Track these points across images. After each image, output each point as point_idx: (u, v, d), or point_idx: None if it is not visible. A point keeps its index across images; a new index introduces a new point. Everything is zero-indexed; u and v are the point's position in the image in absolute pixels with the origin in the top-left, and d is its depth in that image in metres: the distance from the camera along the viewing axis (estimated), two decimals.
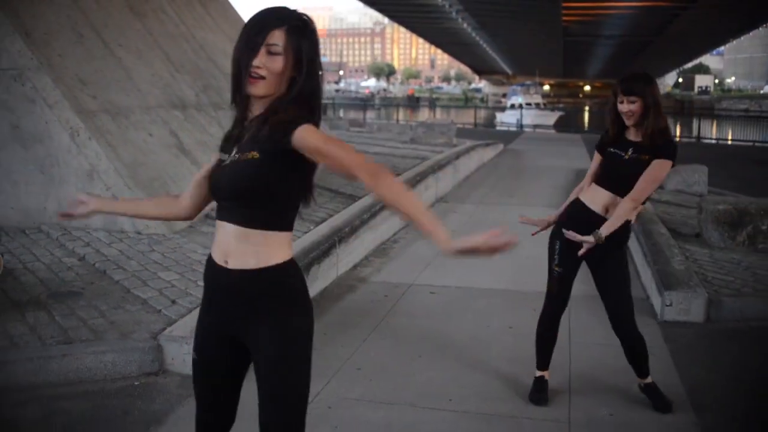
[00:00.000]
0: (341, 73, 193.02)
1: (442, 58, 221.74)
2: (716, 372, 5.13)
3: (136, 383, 4.72)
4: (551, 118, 49.60)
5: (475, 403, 4.57)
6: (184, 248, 7.05)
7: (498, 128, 42.04)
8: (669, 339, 5.71)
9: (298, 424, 2.51)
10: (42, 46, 7.93)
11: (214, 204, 2.62)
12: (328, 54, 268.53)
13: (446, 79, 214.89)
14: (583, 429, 4.26)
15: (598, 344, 5.51)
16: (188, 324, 5.06)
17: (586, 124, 46.56)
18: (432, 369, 5.12)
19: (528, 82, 77.29)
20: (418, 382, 4.88)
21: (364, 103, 56.19)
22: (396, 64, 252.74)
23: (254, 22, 2.42)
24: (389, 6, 72.65)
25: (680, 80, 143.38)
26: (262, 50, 2.37)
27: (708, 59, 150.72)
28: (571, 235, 4.15)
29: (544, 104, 65.00)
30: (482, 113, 49.81)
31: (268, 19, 2.41)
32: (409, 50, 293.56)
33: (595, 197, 4.35)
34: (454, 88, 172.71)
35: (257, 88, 2.40)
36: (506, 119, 47.28)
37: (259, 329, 2.46)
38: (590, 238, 4.12)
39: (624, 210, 4.18)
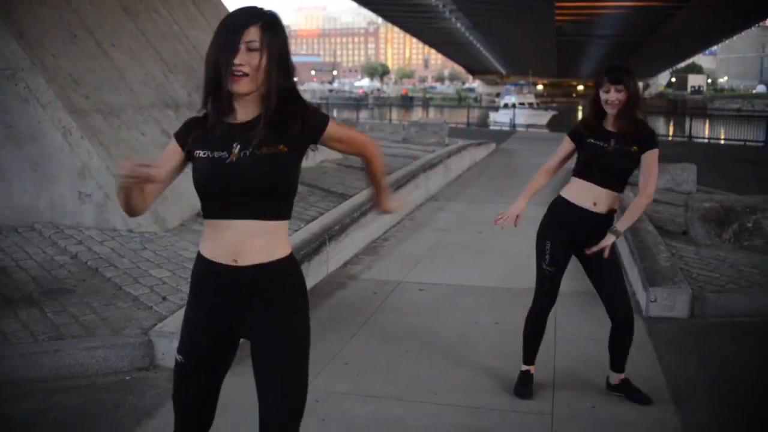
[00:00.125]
0: (335, 73, 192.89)
1: (436, 58, 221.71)
2: (698, 366, 5.22)
3: (127, 378, 4.80)
4: (544, 117, 49.73)
5: (461, 397, 4.65)
6: (175, 246, 7.12)
7: (491, 128, 42.12)
8: (653, 334, 5.80)
9: (300, 417, 2.64)
10: (35, 47, 7.99)
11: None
12: (321, 54, 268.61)
13: (440, 78, 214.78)
14: (566, 422, 4.34)
15: (583, 339, 5.60)
16: (179, 320, 5.07)
17: None
18: (419, 364, 5.20)
19: (521, 82, 77.30)
20: (405, 377, 4.96)
21: (358, 103, 56.25)
22: (390, 64, 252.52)
23: (228, 23, 2.49)
24: (383, 6, 72.77)
25: (673, 80, 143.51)
26: (242, 48, 2.44)
27: (701, 59, 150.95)
28: (594, 249, 4.26)
29: (538, 104, 65.04)
30: (476, 113, 50.01)
31: (242, 17, 2.48)
32: (402, 50, 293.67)
33: (581, 192, 4.37)
34: (447, 88, 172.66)
35: (242, 86, 2.47)
36: (499, 119, 47.35)
37: (268, 323, 2.56)
38: (609, 240, 4.24)
39: (641, 208, 4.35)
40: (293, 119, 2.52)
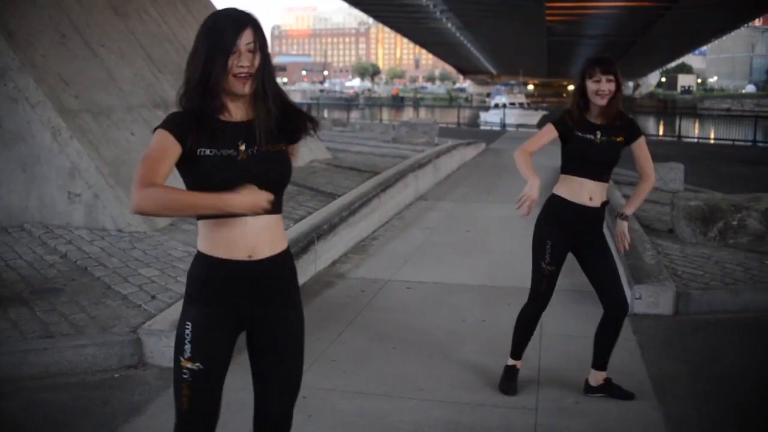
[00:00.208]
0: (326, 73, 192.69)
1: (427, 58, 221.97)
2: (681, 362, 5.29)
3: (116, 375, 4.84)
4: (535, 117, 49.87)
5: (447, 393, 4.71)
6: (164, 245, 7.15)
7: (482, 128, 42.22)
8: (638, 331, 5.87)
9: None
10: (24, 47, 8.02)
11: None
12: (312, 54, 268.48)
13: (431, 79, 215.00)
14: (550, 416, 4.40)
15: (567, 336, 5.66)
16: (167, 318, 5.18)
17: None
18: (405, 361, 5.25)
19: (512, 82, 77.58)
20: (391, 374, 5.01)
21: (349, 103, 56.34)
22: (381, 64, 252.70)
23: (224, 25, 2.52)
24: (373, 6, 72.81)
25: (663, 80, 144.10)
26: (243, 49, 2.50)
27: (691, 59, 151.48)
28: (626, 244, 4.43)
29: (528, 104, 65.33)
30: (466, 113, 50.03)
31: (237, 19, 2.53)
32: (393, 50, 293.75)
33: (577, 189, 4.37)
34: (438, 88, 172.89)
35: (247, 87, 2.54)
36: (490, 119, 47.47)
37: (279, 313, 2.67)
38: (624, 226, 4.43)
39: (646, 192, 4.52)
40: (293, 118, 2.65)
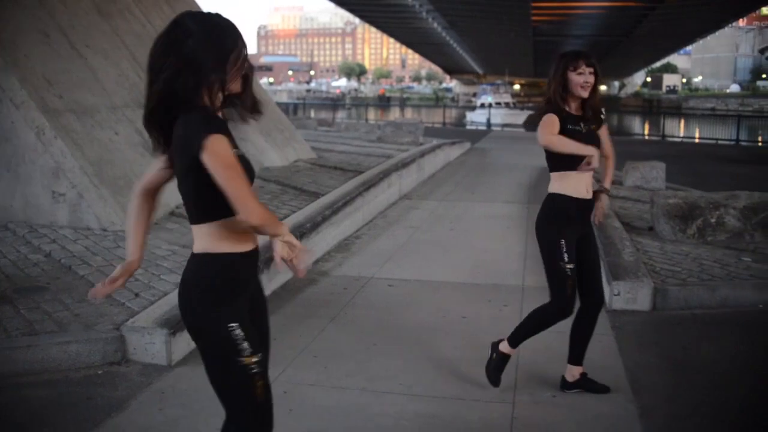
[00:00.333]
0: (312, 73, 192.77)
1: (413, 58, 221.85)
2: (657, 357, 5.38)
3: (99, 372, 4.90)
4: (520, 117, 50.01)
5: (426, 387, 4.78)
6: (148, 244, 7.14)
7: (467, 127, 42.36)
8: (615, 326, 5.96)
9: None
10: (8, 47, 8.05)
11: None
12: (298, 54, 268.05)
13: (417, 78, 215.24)
14: (527, 410, 4.49)
15: (545, 332, 5.72)
16: (150, 315, 5.24)
17: None
18: (386, 356, 5.32)
19: (498, 82, 77.79)
20: (371, 369, 5.08)
21: (335, 103, 56.43)
22: (367, 64, 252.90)
23: (236, 31, 2.65)
24: (359, 6, 72.91)
25: (648, 79, 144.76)
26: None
27: (676, 59, 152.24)
28: (604, 214, 4.60)
29: (514, 103, 65.49)
30: (452, 112, 50.17)
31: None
32: (380, 50, 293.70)
33: (574, 183, 4.38)
34: (425, 88, 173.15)
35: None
36: (476, 118, 47.68)
37: (260, 289, 2.90)
38: (606, 200, 4.60)
39: (613, 167, 4.73)
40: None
